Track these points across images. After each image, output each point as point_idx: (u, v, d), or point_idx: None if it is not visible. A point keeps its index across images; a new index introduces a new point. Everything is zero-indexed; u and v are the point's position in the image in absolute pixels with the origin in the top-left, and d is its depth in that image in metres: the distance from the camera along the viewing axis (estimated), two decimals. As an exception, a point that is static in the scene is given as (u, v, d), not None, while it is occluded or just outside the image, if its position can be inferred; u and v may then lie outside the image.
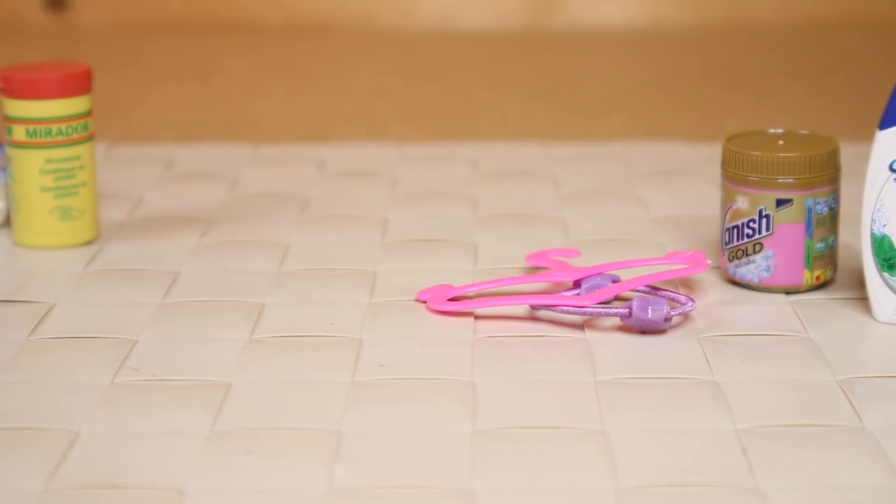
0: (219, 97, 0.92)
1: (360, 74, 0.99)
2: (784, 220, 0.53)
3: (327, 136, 0.82)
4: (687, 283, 0.55)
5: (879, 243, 0.51)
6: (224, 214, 0.66)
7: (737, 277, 0.55)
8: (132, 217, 0.66)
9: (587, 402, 0.45)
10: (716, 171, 0.69)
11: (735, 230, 0.54)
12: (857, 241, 0.51)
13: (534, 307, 0.52)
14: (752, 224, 0.54)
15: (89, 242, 0.62)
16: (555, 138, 0.81)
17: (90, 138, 0.62)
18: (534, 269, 0.57)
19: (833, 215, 0.54)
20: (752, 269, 0.54)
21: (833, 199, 0.54)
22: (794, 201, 0.53)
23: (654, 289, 0.53)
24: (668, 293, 0.53)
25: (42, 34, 1.15)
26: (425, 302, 0.54)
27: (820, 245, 0.54)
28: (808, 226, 0.53)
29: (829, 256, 0.54)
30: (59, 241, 0.62)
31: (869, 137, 0.51)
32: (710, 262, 0.54)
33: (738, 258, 0.54)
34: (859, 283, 0.53)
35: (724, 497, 0.39)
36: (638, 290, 0.53)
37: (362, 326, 0.52)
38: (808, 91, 0.92)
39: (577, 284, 0.54)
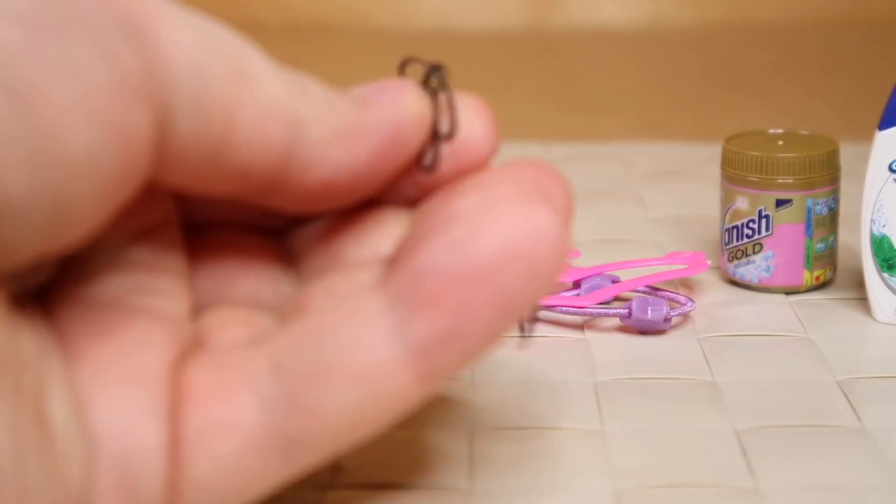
0: (219, 97, 0.92)
1: (360, 74, 0.99)
2: (784, 220, 0.53)
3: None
4: (687, 284, 0.55)
5: (879, 244, 0.51)
6: (224, 215, 0.66)
7: (736, 278, 0.55)
8: (132, 217, 0.66)
9: (586, 403, 0.45)
10: (716, 171, 0.69)
11: (735, 230, 0.54)
12: (857, 241, 0.51)
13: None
14: (751, 224, 0.54)
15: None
16: (555, 138, 0.81)
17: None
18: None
19: (833, 215, 0.54)
20: (751, 270, 0.54)
21: (833, 199, 0.54)
22: (794, 202, 0.53)
23: (653, 289, 0.53)
24: (668, 293, 0.53)
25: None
26: (425, 302, 0.54)
27: (820, 245, 0.54)
28: (808, 226, 0.53)
29: (828, 257, 0.54)
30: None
31: (869, 137, 0.51)
32: (709, 262, 0.54)
33: (737, 258, 0.55)
34: (859, 284, 0.53)
35: (723, 498, 0.39)
36: (637, 291, 0.53)
37: (362, 327, 0.52)
38: (808, 91, 0.92)
39: (576, 285, 0.54)
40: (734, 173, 0.54)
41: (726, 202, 0.55)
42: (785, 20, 1.16)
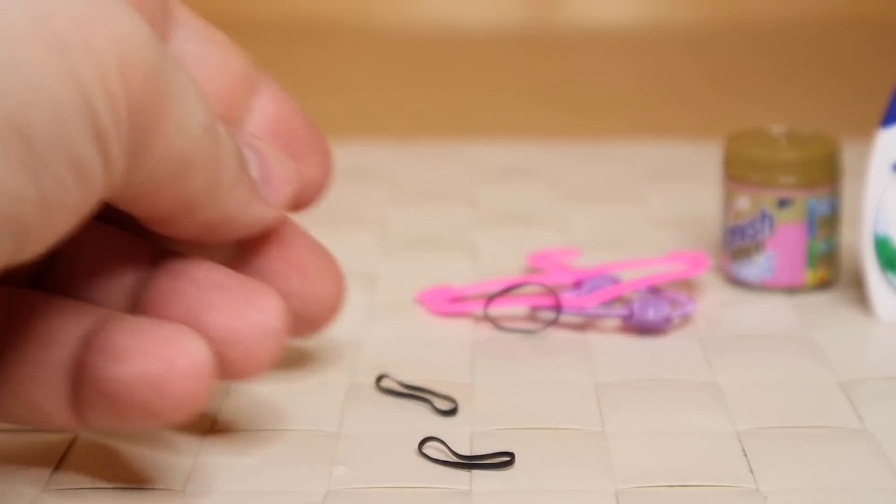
0: (218, 97, 0.92)
1: (360, 73, 0.99)
2: (785, 220, 0.53)
3: (326, 135, 0.82)
4: (688, 284, 0.55)
5: (883, 244, 0.51)
6: (223, 214, 0.66)
7: (738, 278, 0.55)
8: (131, 217, 0.66)
9: (587, 404, 0.45)
10: (716, 171, 0.69)
11: (736, 230, 0.54)
12: (858, 241, 0.51)
13: (534, 308, 0.52)
14: (753, 224, 0.54)
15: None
16: (555, 138, 0.80)
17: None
18: (534, 269, 0.57)
19: (835, 215, 0.54)
20: (753, 270, 0.54)
21: (835, 198, 0.54)
22: (796, 201, 0.53)
23: (654, 289, 0.53)
24: (669, 294, 0.52)
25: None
26: (425, 303, 0.54)
27: (821, 245, 0.54)
28: (810, 226, 0.53)
29: (830, 257, 0.54)
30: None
31: (869, 137, 0.51)
32: (710, 262, 0.54)
33: (739, 258, 0.54)
34: (860, 284, 0.53)
35: (724, 499, 0.39)
36: (639, 291, 0.53)
37: (361, 327, 0.51)
38: (808, 91, 0.92)
39: (577, 285, 0.54)
40: (735, 173, 0.54)
41: (727, 202, 0.55)
42: (785, 20, 1.16)
